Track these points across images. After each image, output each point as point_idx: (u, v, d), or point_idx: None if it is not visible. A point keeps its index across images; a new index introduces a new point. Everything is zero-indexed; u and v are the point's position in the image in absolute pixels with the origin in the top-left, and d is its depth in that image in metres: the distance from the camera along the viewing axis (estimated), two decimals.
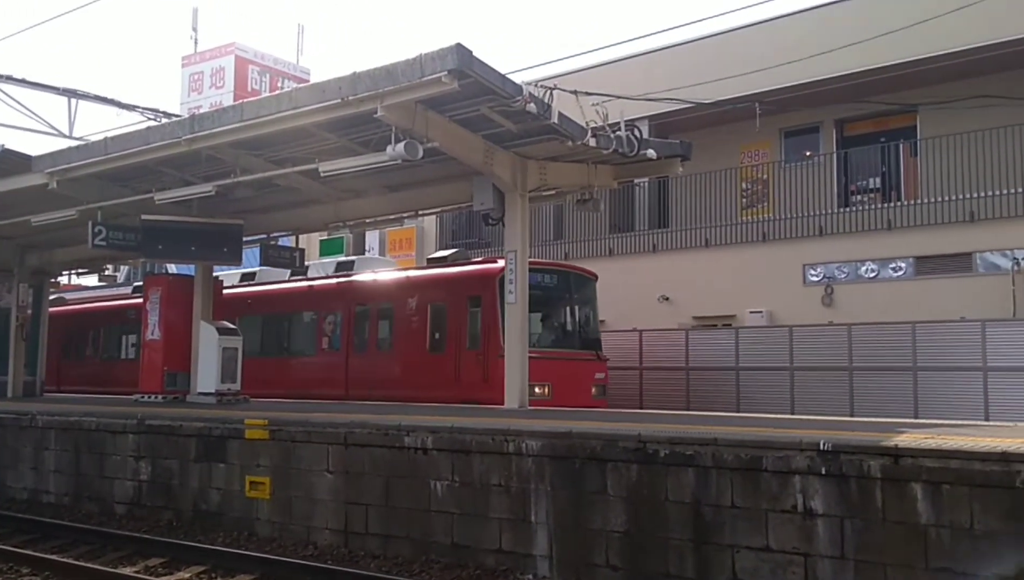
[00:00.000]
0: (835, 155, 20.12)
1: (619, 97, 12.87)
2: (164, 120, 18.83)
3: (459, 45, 10.58)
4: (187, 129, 13.22)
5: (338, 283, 18.81)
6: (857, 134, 20.54)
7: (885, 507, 6.95)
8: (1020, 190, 16.16)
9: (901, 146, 19.26)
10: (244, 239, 16.24)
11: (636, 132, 13.47)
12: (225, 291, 18.27)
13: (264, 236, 17.75)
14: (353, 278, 18.78)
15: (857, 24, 17.35)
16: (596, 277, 17.32)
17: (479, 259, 17.85)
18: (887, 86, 18.16)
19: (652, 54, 20.90)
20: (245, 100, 16.36)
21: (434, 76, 10.66)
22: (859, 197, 19.77)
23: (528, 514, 8.72)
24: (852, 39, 16.63)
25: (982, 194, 16.64)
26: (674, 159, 14.68)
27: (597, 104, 13.06)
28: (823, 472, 7.24)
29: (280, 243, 18.47)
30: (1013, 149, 16.58)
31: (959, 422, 11.02)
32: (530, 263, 14.54)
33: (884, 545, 6.92)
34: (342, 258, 21.54)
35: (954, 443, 7.07)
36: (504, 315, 14.15)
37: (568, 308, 16.96)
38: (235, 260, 16.22)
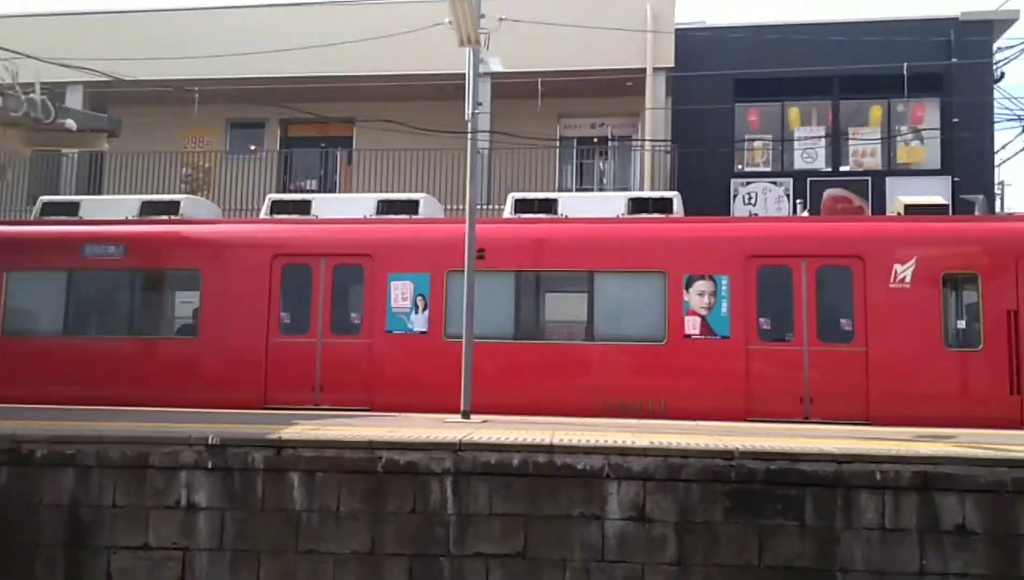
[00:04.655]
0: (278, 153, 20.70)
1: (30, 57, 11.54)
2: None
3: None
4: None
5: (726, 229, 12.56)
6: (302, 136, 21.38)
7: (265, 497, 7.34)
8: None
9: (340, 154, 20.57)
10: None
11: (60, 99, 12.27)
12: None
13: None
14: (755, 221, 13.35)
15: (304, 30, 18.04)
16: None
17: None
18: (330, 96, 19.20)
19: (89, 16, 19.22)
20: None
21: None
22: None
23: None
24: (298, 44, 17.26)
25: None
26: (101, 133, 13.69)
27: (7, 60, 11.59)
28: (210, 466, 7.37)
29: None
30: (423, 170, 18.64)
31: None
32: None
33: (261, 533, 7.30)
34: (641, 193, 13.53)
35: (329, 434, 7.75)
36: None
37: None
38: None
